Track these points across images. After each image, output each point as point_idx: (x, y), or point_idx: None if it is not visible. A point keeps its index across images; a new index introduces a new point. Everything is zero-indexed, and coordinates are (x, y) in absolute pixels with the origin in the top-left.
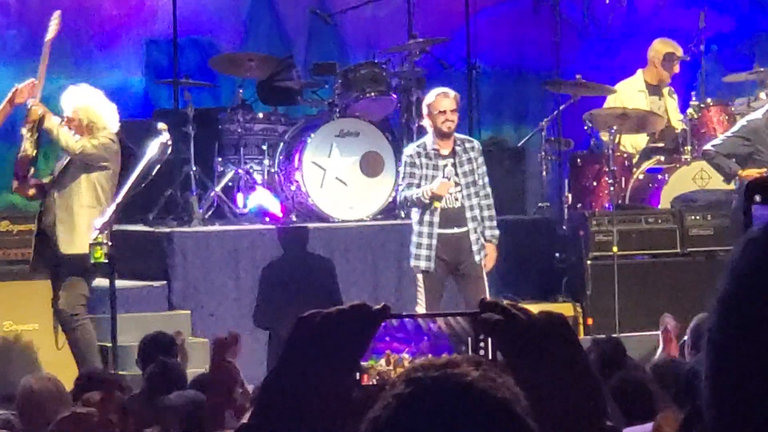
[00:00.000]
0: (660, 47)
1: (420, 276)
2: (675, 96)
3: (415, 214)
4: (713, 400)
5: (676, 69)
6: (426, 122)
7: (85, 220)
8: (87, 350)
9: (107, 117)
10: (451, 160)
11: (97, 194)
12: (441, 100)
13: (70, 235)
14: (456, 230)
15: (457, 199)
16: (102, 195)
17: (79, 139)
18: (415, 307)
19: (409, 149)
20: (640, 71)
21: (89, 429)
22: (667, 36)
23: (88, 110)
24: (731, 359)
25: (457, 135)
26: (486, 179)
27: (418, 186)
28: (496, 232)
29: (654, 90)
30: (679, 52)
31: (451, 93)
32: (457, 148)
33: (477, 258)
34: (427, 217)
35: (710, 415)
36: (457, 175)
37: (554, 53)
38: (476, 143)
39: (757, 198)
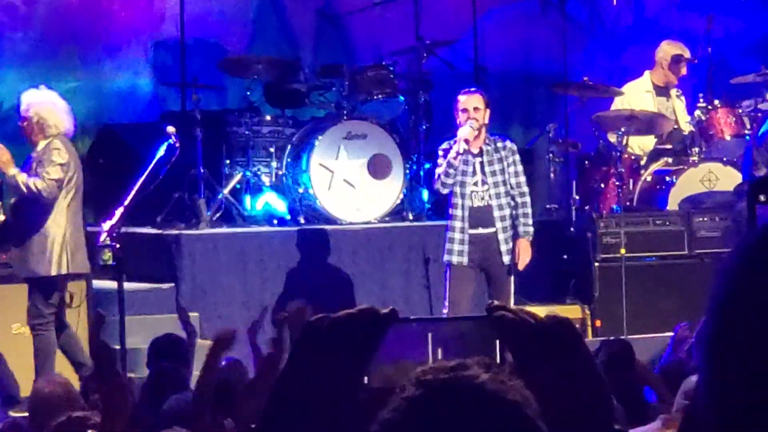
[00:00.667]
0: (668, 49)
1: (448, 272)
2: (683, 98)
3: (450, 211)
4: (710, 401)
5: (684, 71)
6: (458, 120)
7: (37, 247)
8: (44, 359)
9: (58, 117)
10: (480, 159)
11: (54, 215)
12: (465, 99)
13: (22, 262)
14: (482, 230)
15: (483, 199)
16: (61, 210)
17: (33, 181)
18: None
19: (444, 144)
20: (647, 73)
21: None
22: (675, 38)
23: (39, 109)
24: (728, 361)
25: (489, 135)
26: (521, 178)
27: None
28: (530, 229)
29: (661, 91)
30: (687, 53)
31: (477, 92)
32: (487, 147)
33: (506, 259)
34: (459, 213)
35: (708, 416)
36: (484, 173)
37: (561, 55)
38: (508, 143)
39: (762, 198)
